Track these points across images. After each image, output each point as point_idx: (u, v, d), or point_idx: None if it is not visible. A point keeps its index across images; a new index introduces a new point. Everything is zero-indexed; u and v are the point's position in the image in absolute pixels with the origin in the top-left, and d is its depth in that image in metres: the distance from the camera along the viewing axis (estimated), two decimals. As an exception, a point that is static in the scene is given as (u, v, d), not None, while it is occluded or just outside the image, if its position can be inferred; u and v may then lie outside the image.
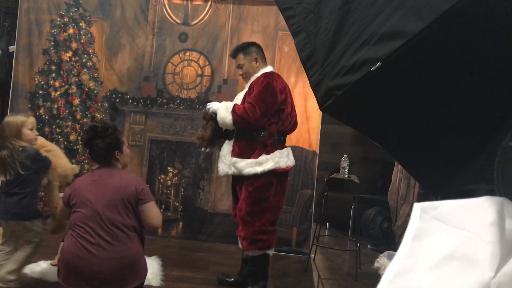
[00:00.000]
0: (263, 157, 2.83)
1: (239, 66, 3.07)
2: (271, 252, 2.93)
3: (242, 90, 3.16)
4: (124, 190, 2.23)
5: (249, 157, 2.85)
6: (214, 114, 2.96)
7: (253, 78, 3.00)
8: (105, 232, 2.16)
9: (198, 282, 3.11)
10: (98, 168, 2.39)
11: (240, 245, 3.04)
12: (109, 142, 2.34)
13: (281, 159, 2.86)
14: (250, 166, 2.83)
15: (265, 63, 3.09)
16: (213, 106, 2.98)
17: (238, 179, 2.97)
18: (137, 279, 2.20)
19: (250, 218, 2.84)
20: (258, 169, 2.81)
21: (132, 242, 2.20)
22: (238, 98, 3.05)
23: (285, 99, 2.90)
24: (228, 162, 2.91)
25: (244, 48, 3.07)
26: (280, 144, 2.94)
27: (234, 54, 3.09)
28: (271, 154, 2.85)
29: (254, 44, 3.10)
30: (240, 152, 2.88)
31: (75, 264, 2.13)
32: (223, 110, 2.87)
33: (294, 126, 3.06)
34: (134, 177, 2.38)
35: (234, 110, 2.83)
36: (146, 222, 2.29)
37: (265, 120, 2.83)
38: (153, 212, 2.29)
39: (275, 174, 2.86)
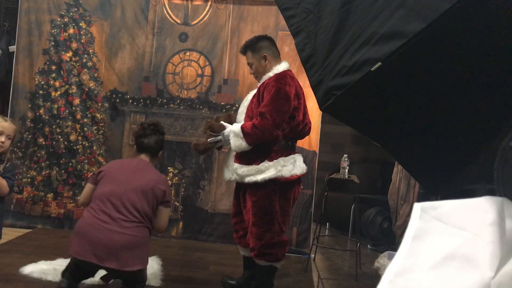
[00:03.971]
0: (265, 163, 2.64)
1: (249, 65, 2.89)
2: (278, 265, 2.80)
3: (250, 91, 3.02)
4: (156, 186, 2.52)
5: (251, 163, 2.67)
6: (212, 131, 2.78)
7: (265, 78, 2.78)
8: (125, 210, 2.41)
9: (198, 282, 3.11)
10: (138, 157, 2.70)
11: (240, 251, 3.04)
12: (162, 140, 2.79)
13: (284, 167, 2.64)
14: (250, 173, 2.65)
15: (277, 60, 2.83)
16: (222, 137, 2.75)
17: (241, 186, 2.82)
18: (137, 264, 2.37)
19: (257, 230, 2.70)
20: (259, 177, 2.62)
21: (144, 228, 2.44)
22: (247, 99, 2.90)
23: (297, 105, 2.69)
24: (231, 167, 2.78)
25: (253, 45, 2.83)
26: (287, 150, 2.72)
27: (243, 51, 2.89)
28: (274, 161, 2.64)
29: (263, 39, 2.85)
30: (241, 158, 2.72)
31: (88, 234, 2.33)
32: (233, 138, 2.66)
33: (307, 132, 2.87)
34: (166, 180, 2.69)
35: (244, 133, 2.61)
36: (157, 223, 2.61)
37: (280, 130, 2.62)
38: (166, 217, 2.64)
39: (278, 183, 2.66)
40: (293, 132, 2.75)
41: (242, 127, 2.65)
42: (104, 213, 2.37)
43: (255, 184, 2.66)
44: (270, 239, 2.70)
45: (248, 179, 2.67)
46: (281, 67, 2.79)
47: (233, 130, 2.68)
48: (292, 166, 2.69)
